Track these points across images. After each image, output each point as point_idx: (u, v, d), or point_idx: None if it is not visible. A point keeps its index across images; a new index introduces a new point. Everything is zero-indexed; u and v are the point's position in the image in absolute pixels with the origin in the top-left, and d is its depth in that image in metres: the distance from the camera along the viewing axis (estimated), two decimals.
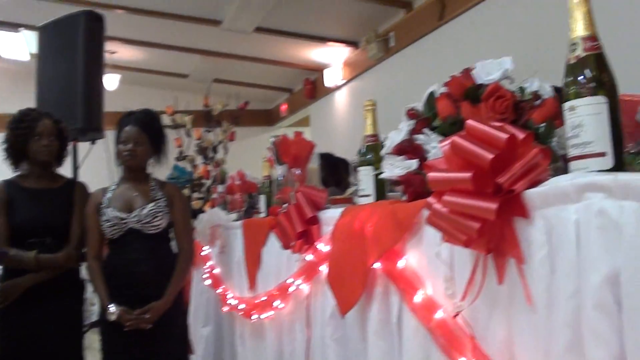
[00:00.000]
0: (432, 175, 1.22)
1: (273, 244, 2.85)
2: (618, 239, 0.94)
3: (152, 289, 2.92)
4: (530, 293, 1.13)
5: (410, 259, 1.64)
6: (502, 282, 1.22)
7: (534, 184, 1.15)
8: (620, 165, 1.16)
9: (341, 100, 8.16)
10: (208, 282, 3.93)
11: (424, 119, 1.70)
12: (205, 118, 5.59)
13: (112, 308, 2.85)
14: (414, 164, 1.67)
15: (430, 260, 1.55)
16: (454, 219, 1.20)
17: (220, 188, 4.61)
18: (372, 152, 2.37)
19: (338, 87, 8.12)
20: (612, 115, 1.17)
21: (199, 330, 3.99)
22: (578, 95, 1.19)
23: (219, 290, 3.72)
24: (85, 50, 3.79)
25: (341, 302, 1.92)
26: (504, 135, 1.14)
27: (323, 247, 2.24)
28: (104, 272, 2.96)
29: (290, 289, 2.57)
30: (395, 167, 1.69)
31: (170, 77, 9.44)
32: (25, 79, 5.44)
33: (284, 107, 10.11)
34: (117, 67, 8.51)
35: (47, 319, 2.94)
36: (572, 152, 1.19)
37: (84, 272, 3.13)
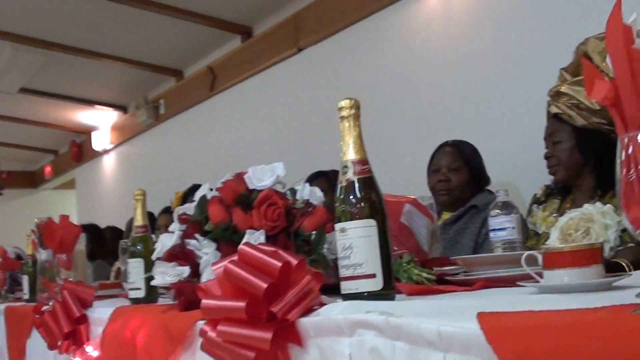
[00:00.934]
0: (205, 302, 1.17)
1: (38, 337, 2.62)
2: None
3: None
4: None
5: None
6: None
7: (308, 310, 1.14)
8: (389, 286, 1.19)
9: (109, 164, 7.90)
10: None
11: (195, 223, 1.65)
12: None
13: None
14: (185, 271, 1.61)
15: None
16: (230, 348, 1.15)
17: None
18: (142, 243, 2.28)
19: (106, 151, 7.86)
20: (381, 237, 1.20)
21: None
22: (349, 217, 1.21)
23: None
24: None
25: None
26: (277, 264, 1.12)
27: (92, 351, 2.08)
28: None
29: None
30: (166, 275, 1.61)
31: None
32: None
33: (48, 169, 9.60)
34: None
35: None
36: (343, 273, 1.20)
37: None
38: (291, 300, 1.12)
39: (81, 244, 3.09)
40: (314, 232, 1.55)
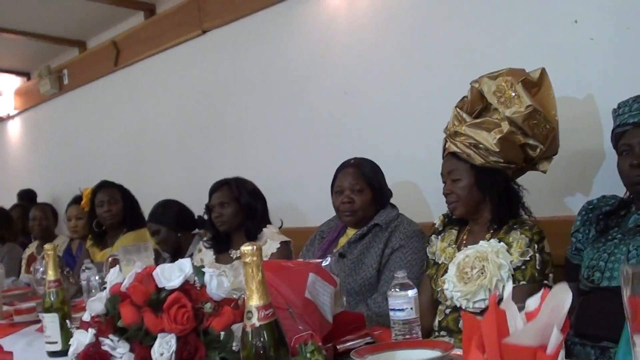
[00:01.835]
0: None
1: None
2: None
3: None
4: None
5: None
6: None
7: None
8: None
9: (14, 130, 7.66)
10: None
11: (108, 320, 1.69)
12: None
13: None
14: None
15: None
16: None
17: None
18: (56, 297, 2.33)
19: (11, 117, 7.62)
20: None
21: None
22: None
23: None
24: None
25: None
26: None
27: None
28: None
29: None
30: None
31: None
32: None
33: None
34: None
35: None
36: None
37: None
38: None
39: None
40: (222, 331, 1.63)
